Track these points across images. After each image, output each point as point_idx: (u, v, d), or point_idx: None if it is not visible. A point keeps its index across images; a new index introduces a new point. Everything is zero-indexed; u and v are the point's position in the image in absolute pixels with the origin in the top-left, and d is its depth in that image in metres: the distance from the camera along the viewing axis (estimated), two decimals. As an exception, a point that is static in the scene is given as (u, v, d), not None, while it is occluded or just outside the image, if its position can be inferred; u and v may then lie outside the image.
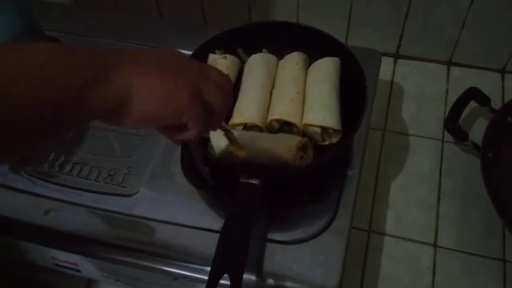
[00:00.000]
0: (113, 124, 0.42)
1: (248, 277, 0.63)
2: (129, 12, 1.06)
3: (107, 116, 0.40)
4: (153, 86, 0.40)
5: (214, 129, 0.51)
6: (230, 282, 0.52)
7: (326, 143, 0.70)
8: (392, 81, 0.99)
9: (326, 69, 0.73)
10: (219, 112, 0.46)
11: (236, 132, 0.69)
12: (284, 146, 0.65)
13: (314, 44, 0.77)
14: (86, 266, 0.70)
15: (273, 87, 0.75)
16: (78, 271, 0.72)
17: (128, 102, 0.39)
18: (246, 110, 0.71)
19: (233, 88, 0.76)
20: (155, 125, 0.44)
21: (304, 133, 0.71)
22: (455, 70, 0.99)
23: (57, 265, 0.73)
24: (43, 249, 0.70)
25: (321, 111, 0.69)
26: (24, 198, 0.72)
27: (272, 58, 0.77)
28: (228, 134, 0.60)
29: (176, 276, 0.66)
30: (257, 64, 0.75)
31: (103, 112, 0.39)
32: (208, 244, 0.64)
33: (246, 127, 0.71)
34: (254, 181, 0.61)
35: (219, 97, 0.45)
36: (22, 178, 0.74)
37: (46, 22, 0.91)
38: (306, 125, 0.69)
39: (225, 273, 0.53)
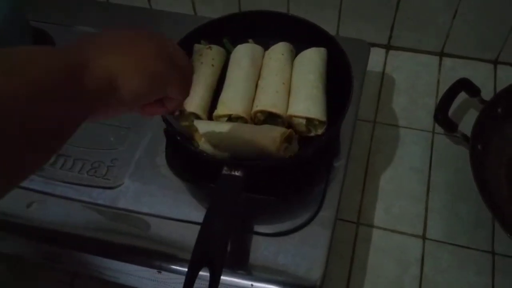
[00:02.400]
0: (110, 115, 0.43)
1: (232, 269, 0.62)
2: (117, 1, 1.05)
3: (101, 102, 0.41)
4: (133, 64, 0.42)
5: (187, 94, 0.50)
6: (210, 275, 0.52)
7: (312, 134, 0.70)
8: (383, 72, 0.98)
9: (312, 59, 0.73)
10: (189, 75, 0.48)
11: (220, 124, 0.69)
12: (268, 137, 0.64)
13: (301, 34, 0.76)
14: (70, 259, 0.69)
15: (258, 78, 0.74)
16: (63, 263, 0.71)
17: (115, 84, 0.40)
18: (231, 101, 0.70)
19: (219, 79, 0.76)
20: (144, 101, 0.44)
21: (289, 124, 0.70)
22: (447, 61, 0.98)
23: (42, 258, 0.72)
24: (26, 241, 0.69)
25: (306, 102, 0.68)
26: (7, 190, 0.71)
27: (258, 48, 0.76)
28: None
29: (160, 269, 0.66)
30: (243, 54, 0.75)
31: (97, 98, 0.40)
32: (193, 236, 0.63)
33: (231, 118, 0.70)
34: (237, 173, 0.60)
35: (186, 60, 0.47)
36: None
37: (31, 12, 0.90)
38: (291, 116, 0.69)
39: (204, 266, 0.52)
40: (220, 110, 0.70)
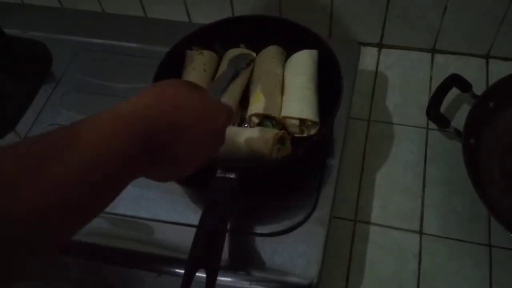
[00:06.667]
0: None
1: (228, 270, 0.63)
2: (112, 10, 1.06)
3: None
4: (191, 153, 0.49)
5: None
6: (206, 277, 0.53)
7: (305, 134, 0.71)
8: (376, 71, 0.99)
9: (303, 61, 0.74)
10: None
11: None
12: (260, 140, 0.65)
13: (291, 37, 0.77)
14: (70, 266, 0.71)
15: (250, 81, 0.75)
16: (63, 271, 0.72)
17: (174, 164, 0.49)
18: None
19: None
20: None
21: (282, 126, 0.71)
22: (439, 58, 0.99)
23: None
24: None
25: (298, 103, 0.70)
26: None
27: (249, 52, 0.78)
28: None
29: (160, 272, 0.67)
30: (234, 59, 0.76)
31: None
32: (191, 239, 0.64)
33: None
34: (231, 175, 0.61)
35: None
36: None
37: (28, 23, 0.91)
38: (285, 117, 0.70)
39: (201, 268, 0.53)
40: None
